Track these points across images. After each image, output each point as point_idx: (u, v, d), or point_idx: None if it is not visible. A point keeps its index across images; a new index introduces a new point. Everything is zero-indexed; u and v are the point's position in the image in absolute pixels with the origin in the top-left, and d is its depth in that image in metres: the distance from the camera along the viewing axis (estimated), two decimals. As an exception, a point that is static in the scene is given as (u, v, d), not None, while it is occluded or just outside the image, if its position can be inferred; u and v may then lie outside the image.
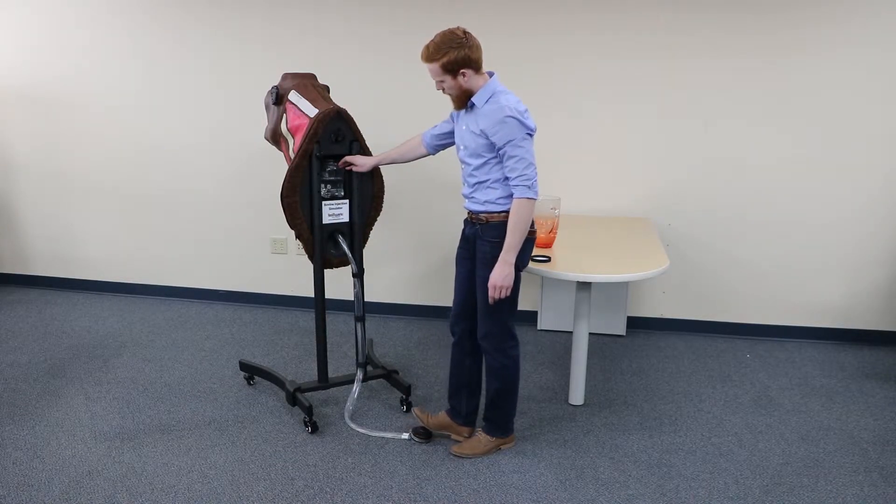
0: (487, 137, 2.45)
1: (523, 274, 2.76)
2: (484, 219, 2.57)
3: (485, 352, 2.70)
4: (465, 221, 2.70)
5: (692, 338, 4.06)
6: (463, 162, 2.60)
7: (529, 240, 2.59)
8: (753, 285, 4.01)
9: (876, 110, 3.69)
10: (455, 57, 2.40)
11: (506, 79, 3.86)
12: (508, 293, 2.53)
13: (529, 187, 2.44)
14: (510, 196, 2.51)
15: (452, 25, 3.83)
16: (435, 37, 2.44)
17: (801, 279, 3.96)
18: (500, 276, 2.49)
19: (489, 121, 2.43)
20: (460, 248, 2.73)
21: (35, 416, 3.07)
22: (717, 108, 3.81)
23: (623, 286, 4.00)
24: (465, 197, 2.63)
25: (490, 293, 2.53)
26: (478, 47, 2.45)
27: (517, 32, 3.87)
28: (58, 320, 4.23)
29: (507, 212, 2.51)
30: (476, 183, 2.56)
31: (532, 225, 2.58)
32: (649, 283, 4.11)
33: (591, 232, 3.56)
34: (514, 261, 2.50)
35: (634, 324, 4.17)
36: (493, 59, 3.89)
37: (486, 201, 2.55)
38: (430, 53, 2.42)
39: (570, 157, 4.00)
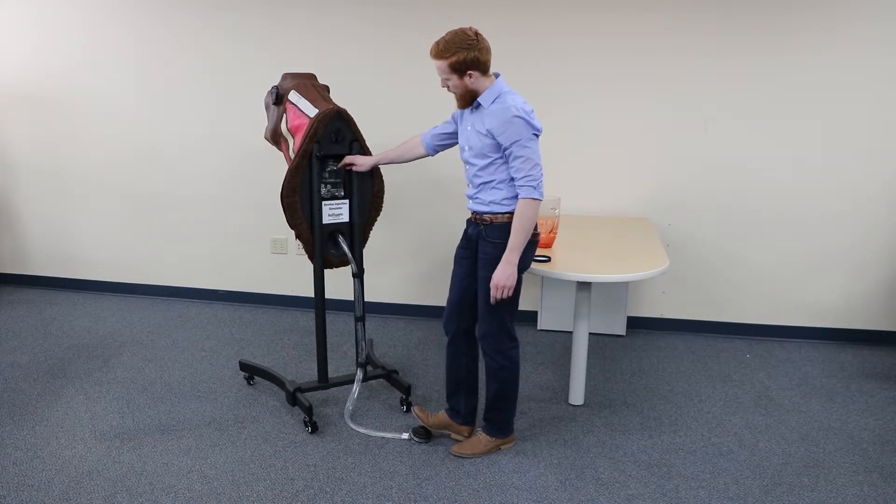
0: (494, 137, 2.45)
1: (524, 274, 2.76)
2: (488, 219, 2.57)
3: (484, 353, 2.70)
4: (468, 221, 2.70)
5: (692, 338, 4.06)
6: (467, 163, 2.60)
7: (532, 241, 2.59)
8: (753, 285, 4.01)
9: (876, 111, 3.69)
10: (464, 58, 2.40)
11: (507, 78, 3.85)
12: (510, 293, 2.53)
13: (535, 188, 2.44)
14: (515, 197, 2.51)
15: (453, 25, 3.83)
16: (446, 34, 2.43)
17: (801, 279, 3.96)
18: (504, 276, 2.49)
19: (496, 121, 2.43)
20: (461, 246, 2.73)
21: (35, 416, 3.07)
22: (717, 108, 3.81)
23: (623, 286, 4.00)
24: (470, 198, 2.63)
25: (492, 293, 2.52)
26: (487, 50, 2.44)
27: (518, 32, 3.87)
28: (58, 320, 4.23)
29: (512, 213, 2.52)
30: (481, 184, 2.55)
31: (535, 227, 2.58)
32: (649, 283, 4.11)
33: (591, 232, 3.56)
34: (517, 261, 2.50)
35: (634, 324, 4.17)
36: (494, 59, 3.88)
37: (490, 202, 2.54)
38: (440, 51, 2.42)
39: (571, 157, 4.00)
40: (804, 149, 3.79)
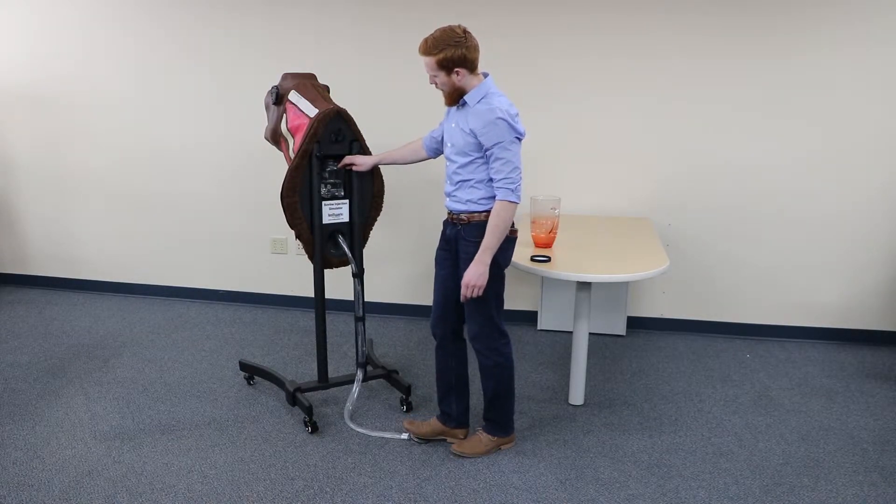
0: (476, 137, 2.46)
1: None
2: (465, 219, 2.57)
3: (477, 352, 2.70)
4: (445, 222, 2.70)
5: (692, 338, 4.06)
6: (449, 159, 2.61)
7: (511, 238, 2.60)
8: (753, 285, 4.01)
9: (876, 111, 3.69)
10: (451, 55, 2.41)
11: (506, 78, 3.86)
12: (481, 293, 2.53)
13: (513, 191, 2.45)
14: (493, 197, 2.52)
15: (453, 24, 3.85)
16: (435, 31, 2.44)
17: (801, 279, 3.96)
18: (475, 275, 2.50)
19: (480, 121, 2.44)
20: (440, 248, 2.73)
21: (35, 416, 3.07)
22: (717, 109, 3.81)
23: (623, 286, 4.00)
24: (447, 195, 2.64)
25: (462, 291, 2.53)
26: (475, 48, 2.45)
27: (518, 32, 3.87)
28: (58, 320, 4.23)
29: (489, 212, 2.52)
30: (460, 181, 2.56)
31: (512, 224, 2.59)
32: (649, 283, 4.11)
33: (591, 232, 3.56)
34: (489, 261, 2.50)
35: (634, 324, 4.17)
36: (494, 59, 3.89)
37: (468, 200, 2.55)
38: (428, 48, 2.43)
39: (570, 157, 4.00)
40: (804, 149, 3.79)
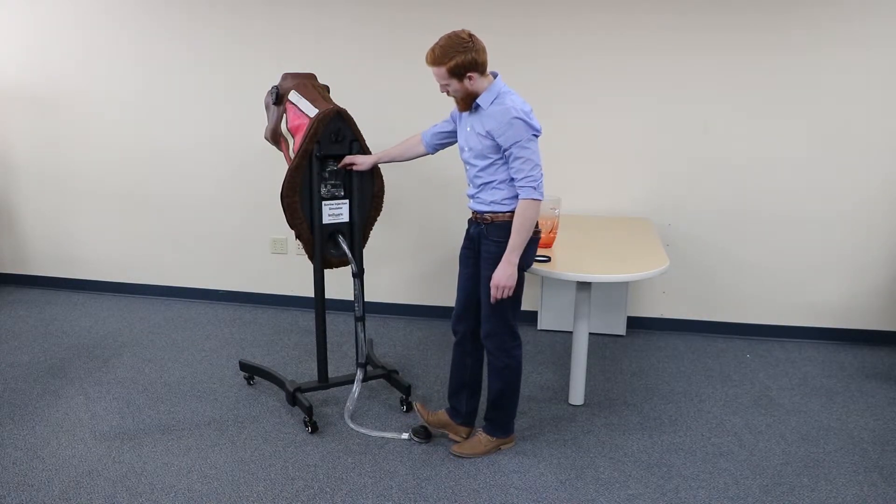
0: (494, 139, 2.45)
1: (526, 273, 2.77)
2: (489, 218, 2.57)
3: (488, 351, 2.70)
4: (470, 221, 2.70)
5: (692, 338, 4.06)
6: (467, 163, 2.60)
7: (533, 239, 2.60)
8: (753, 285, 4.01)
9: (875, 111, 3.69)
10: (462, 61, 2.39)
11: (506, 78, 3.86)
12: (511, 293, 2.53)
13: (535, 188, 2.45)
14: (516, 196, 2.51)
15: (453, 25, 3.85)
16: (440, 40, 2.43)
17: (801, 279, 3.96)
18: (504, 276, 2.50)
19: (496, 122, 2.43)
20: (464, 247, 2.73)
21: (35, 416, 3.07)
22: (717, 108, 3.81)
23: (623, 286, 4.00)
24: (470, 197, 2.63)
25: (492, 293, 2.53)
26: (483, 50, 2.44)
27: (517, 33, 3.87)
28: (58, 320, 4.23)
29: (513, 212, 2.52)
30: (482, 184, 2.56)
31: (536, 225, 2.58)
32: (649, 283, 4.11)
33: (591, 232, 3.56)
34: (517, 261, 2.50)
35: (634, 324, 4.17)
36: (494, 58, 3.88)
37: (491, 201, 2.55)
38: (437, 57, 2.41)
39: (571, 157, 4.00)
40: (804, 149, 3.79)
